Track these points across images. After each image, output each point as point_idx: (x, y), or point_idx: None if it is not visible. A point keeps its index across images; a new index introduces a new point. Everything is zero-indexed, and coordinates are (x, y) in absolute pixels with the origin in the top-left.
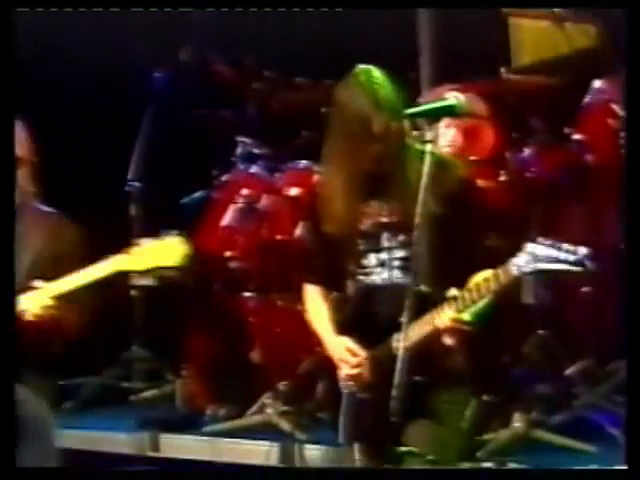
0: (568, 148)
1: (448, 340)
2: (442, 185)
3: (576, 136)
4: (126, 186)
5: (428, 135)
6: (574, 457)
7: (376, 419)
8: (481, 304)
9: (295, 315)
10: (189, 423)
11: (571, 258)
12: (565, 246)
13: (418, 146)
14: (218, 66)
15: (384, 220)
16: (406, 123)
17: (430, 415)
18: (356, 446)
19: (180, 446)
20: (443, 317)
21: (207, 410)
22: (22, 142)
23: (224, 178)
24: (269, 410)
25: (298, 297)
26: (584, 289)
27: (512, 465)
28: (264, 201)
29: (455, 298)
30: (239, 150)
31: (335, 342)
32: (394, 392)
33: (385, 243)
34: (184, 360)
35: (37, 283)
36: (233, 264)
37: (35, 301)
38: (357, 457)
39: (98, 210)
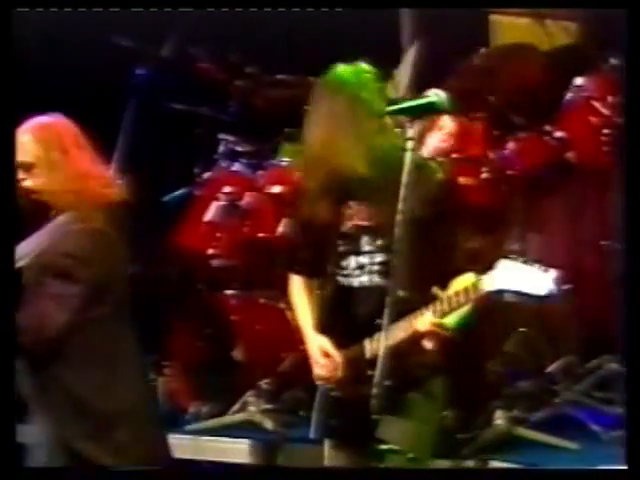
0: (550, 145)
1: (428, 344)
2: (422, 187)
3: (557, 133)
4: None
5: (409, 132)
6: (556, 454)
7: (348, 416)
8: (462, 311)
9: (277, 313)
10: (172, 421)
11: (538, 285)
12: (535, 268)
13: (398, 147)
14: (201, 63)
15: (363, 223)
16: (388, 122)
17: (403, 410)
18: (327, 442)
19: None
20: (424, 320)
21: (190, 408)
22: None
23: (206, 175)
24: (252, 408)
25: (281, 295)
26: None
27: (495, 463)
28: (246, 199)
29: (436, 302)
30: (221, 147)
31: (312, 340)
32: (374, 390)
33: (365, 247)
34: (166, 358)
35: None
36: (215, 262)
37: None
38: (327, 453)
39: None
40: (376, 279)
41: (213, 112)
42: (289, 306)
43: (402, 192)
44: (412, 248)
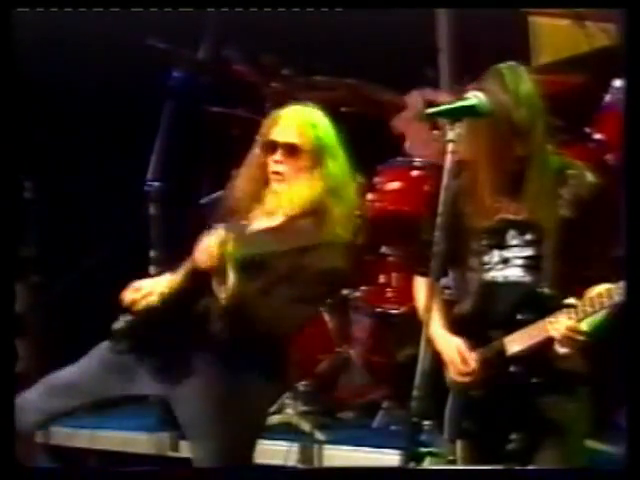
0: (589, 147)
1: (562, 349)
2: (573, 189)
3: (596, 135)
4: (145, 186)
5: (450, 135)
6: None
7: (482, 418)
8: (599, 316)
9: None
10: None
11: None
12: None
13: (551, 147)
14: (237, 65)
15: (511, 217)
16: (546, 121)
17: (550, 424)
18: (459, 443)
19: None
20: (559, 325)
21: None
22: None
23: None
24: (289, 410)
25: None
26: None
27: None
28: None
29: (573, 307)
30: None
31: (447, 341)
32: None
33: (510, 241)
34: None
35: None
36: None
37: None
38: (460, 455)
39: (117, 210)
40: (520, 273)
41: (249, 114)
42: (328, 309)
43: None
44: (559, 247)
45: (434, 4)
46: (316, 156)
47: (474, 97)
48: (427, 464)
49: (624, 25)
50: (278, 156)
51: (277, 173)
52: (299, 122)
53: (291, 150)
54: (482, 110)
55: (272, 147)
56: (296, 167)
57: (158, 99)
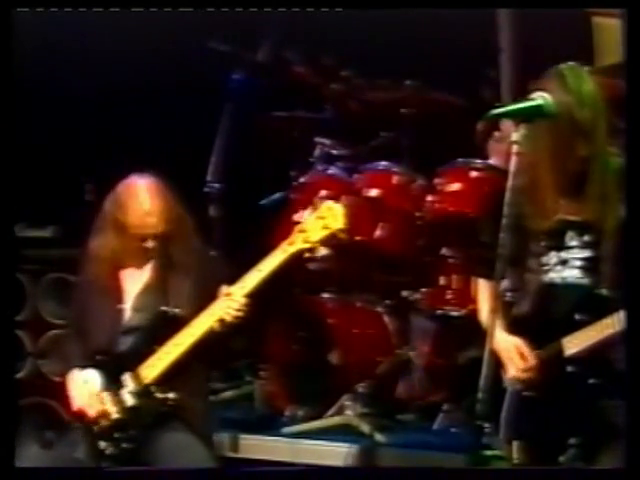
0: None
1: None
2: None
3: None
4: (205, 187)
5: (515, 136)
6: None
7: (539, 419)
8: None
9: (374, 316)
10: (268, 424)
11: None
12: None
13: (613, 148)
14: (296, 67)
15: (570, 218)
16: (608, 122)
17: (607, 426)
18: (515, 444)
19: (259, 447)
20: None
21: (286, 411)
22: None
23: (302, 179)
24: (348, 412)
25: (377, 298)
26: None
27: None
28: (343, 202)
29: None
30: (317, 151)
31: (505, 340)
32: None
33: (569, 242)
34: (263, 361)
35: (224, 289)
36: (312, 265)
37: (232, 302)
38: (516, 456)
39: None
40: (578, 275)
41: (308, 116)
42: (388, 311)
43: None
44: (618, 249)
45: (406, 4)
46: None
47: (540, 97)
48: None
49: (624, 25)
50: None
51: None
52: None
53: None
54: (548, 110)
55: None
56: None
57: (218, 101)
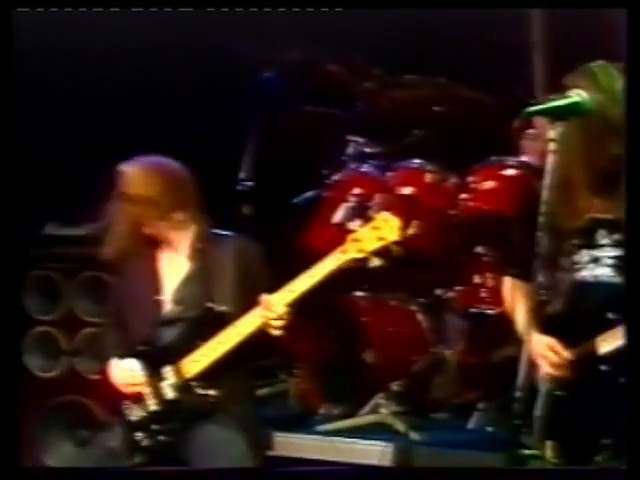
0: None
1: None
2: None
3: None
4: (238, 185)
5: (551, 134)
6: None
7: (572, 418)
8: None
9: (408, 315)
10: (302, 422)
11: None
12: None
13: None
14: (327, 65)
15: (602, 216)
16: None
17: None
18: (549, 444)
19: (294, 444)
20: None
21: (320, 409)
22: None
23: (335, 177)
24: (383, 410)
25: (411, 296)
26: None
27: None
28: (376, 200)
29: None
30: (350, 149)
31: (537, 338)
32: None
33: (600, 240)
34: (297, 359)
35: (264, 297)
36: None
37: (272, 313)
38: (550, 455)
39: (210, 210)
40: (610, 273)
41: (340, 113)
42: (422, 309)
43: None
44: None
45: (404, 4)
46: None
47: (577, 95)
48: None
49: (624, 25)
50: None
51: None
52: None
53: None
54: (585, 108)
55: None
56: None
57: (249, 99)
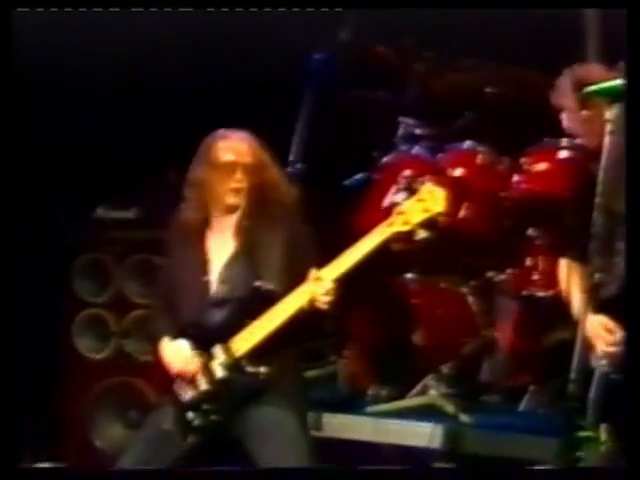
0: None
1: None
2: None
3: None
4: (288, 167)
5: (608, 115)
6: None
7: (627, 401)
8: None
9: (459, 297)
10: (351, 403)
11: None
12: None
13: None
14: (378, 47)
15: None
16: None
17: None
18: (603, 427)
19: (343, 425)
20: None
21: (369, 390)
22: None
23: (385, 159)
24: (432, 392)
25: (461, 279)
26: None
27: None
28: (427, 182)
29: None
30: (401, 131)
31: (592, 318)
32: None
33: None
34: (347, 340)
35: (313, 272)
36: (396, 245)
37: (320, 288)
38: (604, 438)
39: None
40: None
41: (391, 96)
42: (474, 290)
43: None
44: None
45: (405, 4)
46: None
47: None
48: (585, 449)
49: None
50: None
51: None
52: None
53: None
54: None
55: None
56: None
57: (299, 81)
